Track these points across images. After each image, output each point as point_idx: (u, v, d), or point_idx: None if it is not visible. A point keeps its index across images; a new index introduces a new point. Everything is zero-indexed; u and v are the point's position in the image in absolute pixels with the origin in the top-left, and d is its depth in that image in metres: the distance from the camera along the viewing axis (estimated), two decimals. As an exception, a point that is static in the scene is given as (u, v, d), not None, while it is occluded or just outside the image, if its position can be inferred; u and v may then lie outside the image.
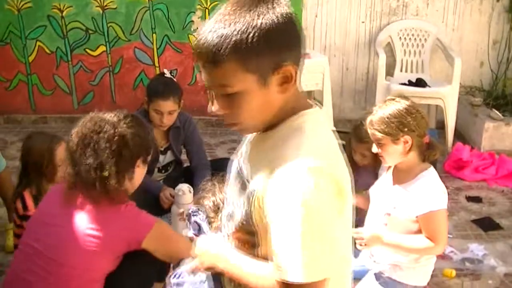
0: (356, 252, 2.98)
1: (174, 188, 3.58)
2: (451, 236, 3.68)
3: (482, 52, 5.63)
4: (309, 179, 1.35)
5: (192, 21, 5.54)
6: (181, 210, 3.42)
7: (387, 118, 2.69)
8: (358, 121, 3.55)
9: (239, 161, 1.64)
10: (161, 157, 3.84)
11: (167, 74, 3.91)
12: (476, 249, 3.67)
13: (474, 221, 4.08)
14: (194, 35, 5.45)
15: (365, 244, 2.81)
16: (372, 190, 2.99)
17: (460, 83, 5.17)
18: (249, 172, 1.55)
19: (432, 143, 2.78)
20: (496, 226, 4.01)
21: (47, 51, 5.58)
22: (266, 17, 1.36)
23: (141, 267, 2.47)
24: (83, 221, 2.34)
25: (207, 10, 5.49)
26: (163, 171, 3.93)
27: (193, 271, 2.03)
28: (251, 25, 1.34)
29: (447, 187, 2.85)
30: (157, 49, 5.60)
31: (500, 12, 5.57)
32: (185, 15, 5.53)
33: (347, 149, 3.56)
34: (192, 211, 2.11)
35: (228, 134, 5.45)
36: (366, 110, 3.51)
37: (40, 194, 3.04)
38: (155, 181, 3.77)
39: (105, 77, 5.69)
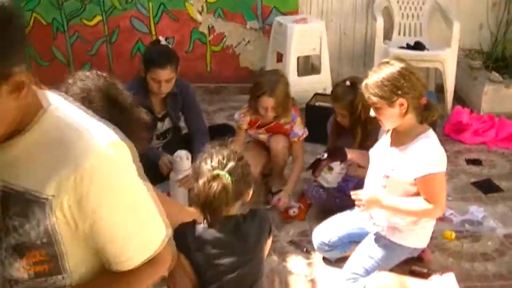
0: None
1: (172, 155, 3.58)
2: (450, 198, 3.69)
3: (481, 14, 5.56)
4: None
5: (188, -12, 5.49)
6: (180, 177, 3.43)
7: (381, 81, 2.68)
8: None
9: None
10: (159, 124, 3.83)
11: (163, 42, 3.87)
12: (476, 211, 3.69)
13: (474, 183, 4.09)
14: (190, 3, 5.45)
15: (364, 206, 2.83)
16: (371, 152, 3.00)
17: (459, 46, 5.14)
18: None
19: (430, 104, 2.77)
20: (496, 188, 4.02)
21: (43, 22, 5.53)
22: None
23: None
24: None
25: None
26: (161, 138, 3.92)
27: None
28: None
29: (446, 150, 2.86)
30: (153, 17, 5.55)
31: (499, -27, 5.50)
32: (181, -18, 5.48)
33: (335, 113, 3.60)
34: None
35: (227, 101, 5.43)
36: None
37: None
38: (153, 148, 3.77)
39: (102, 47, 5.65)
